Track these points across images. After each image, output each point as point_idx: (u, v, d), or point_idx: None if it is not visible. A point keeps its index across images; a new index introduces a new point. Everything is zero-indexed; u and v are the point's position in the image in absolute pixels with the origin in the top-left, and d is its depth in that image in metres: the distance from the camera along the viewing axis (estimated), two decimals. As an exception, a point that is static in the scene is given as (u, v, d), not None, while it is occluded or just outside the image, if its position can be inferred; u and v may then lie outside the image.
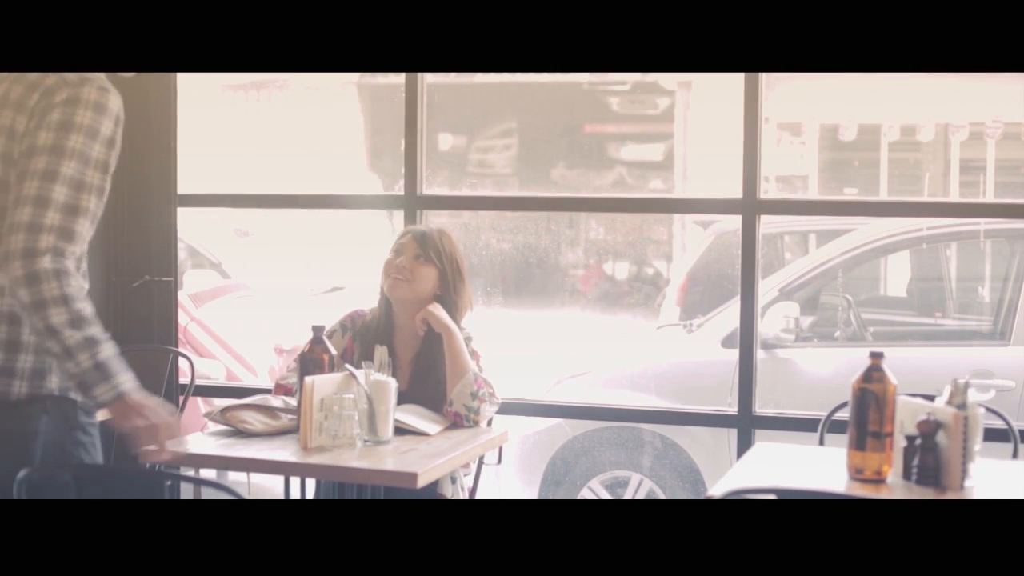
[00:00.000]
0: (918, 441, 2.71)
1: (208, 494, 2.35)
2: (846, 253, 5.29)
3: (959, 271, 5.69)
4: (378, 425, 3.02)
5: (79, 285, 2.26)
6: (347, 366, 3.11)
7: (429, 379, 3.36)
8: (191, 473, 3.25)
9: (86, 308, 2.24)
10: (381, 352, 3.18)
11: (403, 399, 3.30)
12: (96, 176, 2.34)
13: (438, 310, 3.34)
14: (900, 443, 2.75)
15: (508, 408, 4.08)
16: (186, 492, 4.20)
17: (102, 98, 2.39)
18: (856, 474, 2.75)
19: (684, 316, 5.62)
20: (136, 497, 2.34)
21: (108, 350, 2.25)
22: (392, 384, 3.04)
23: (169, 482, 2.38)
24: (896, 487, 2.71)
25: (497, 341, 3.76)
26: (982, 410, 2.76)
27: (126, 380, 2.27)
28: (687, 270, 5.91)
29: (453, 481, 3.35)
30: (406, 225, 4.19)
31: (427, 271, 3.39)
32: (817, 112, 7.02)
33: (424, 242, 3.41)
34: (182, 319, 5.11)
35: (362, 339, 3.43)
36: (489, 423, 3.43)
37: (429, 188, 4.31)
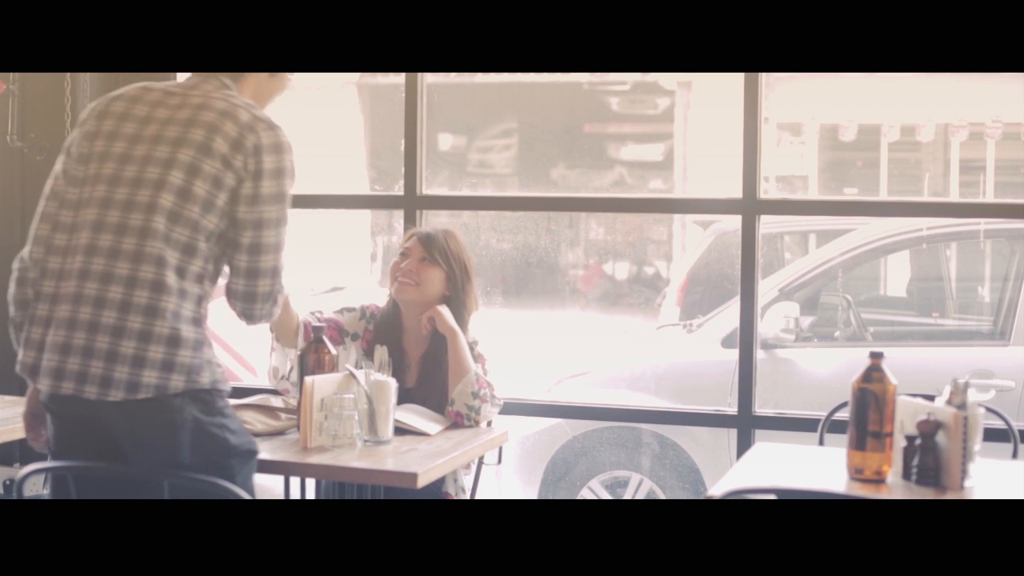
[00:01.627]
0: (918, 441, 2.71)
1: (208, 494, 2.35)
2: (846, 253, 5.29)
3: (959, 271, 5.69)
4: (378, 425, 3.02)
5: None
6: (347, 366, 3.11)
7: (437, 377, 3.37)
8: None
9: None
10: (381, 352, 3.19)
11: (411, 398, 3.30)
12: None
13: (445, 312, 3.35)
14: (900, 443, 2.75)
15: (508, 408, 4.08)
16: (185, 492, 4.20)
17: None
18: (856, 474, 2.75)
19: (684, 316, 5.62)
20: (136, 497, 2.35)
21: None
22: (392, 384, 3.04)
23: (169, 482, 2.37)
24: (896, 487, 2.71)
25: (497, 341, 3.76)
26: (982, 410, 2.76)
27: None
28: (687, 270, 5.91)
29: (455, 481, 3.36)
30: (406, 225, 4.19)
31: (434, 273, 3.39)
32: (817, 112, 7.02)
33: (430, 244, 3.40)
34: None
35: (376, 329, 3.44)
36: (489, 424, 3.43)
37: (429, 188, 4.30)
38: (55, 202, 2.63)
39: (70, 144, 2.67)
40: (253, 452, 2.62)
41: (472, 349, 3.38)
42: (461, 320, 3.40)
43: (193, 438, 2.49)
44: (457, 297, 3.41)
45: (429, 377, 3.39)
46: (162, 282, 2.48)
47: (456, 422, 3.30)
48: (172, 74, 4.38)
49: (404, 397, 3.21)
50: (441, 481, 3.29)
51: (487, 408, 3.31)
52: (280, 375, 3.34)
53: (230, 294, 2.64)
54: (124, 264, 2.48)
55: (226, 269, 2.65)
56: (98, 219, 2.52)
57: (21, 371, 2.57)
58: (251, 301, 2.62)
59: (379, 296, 3.57)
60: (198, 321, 2.54)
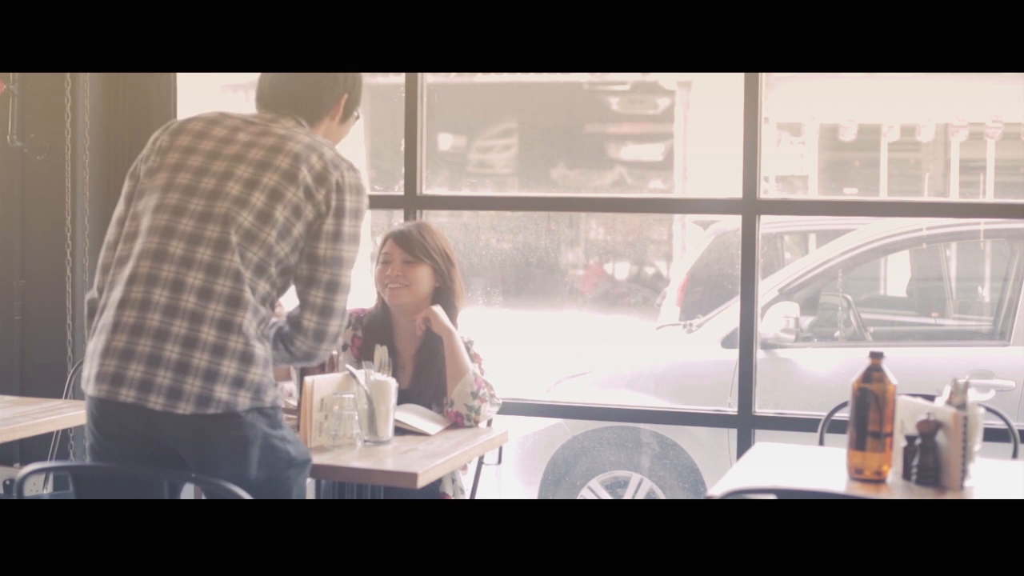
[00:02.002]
0: (918, 441, 2.71)
1: (208, 494, 2.35)
2: (846, 253, 5.28)
3: (959, 271, 5.69)
4: (378, 425, 3.02)
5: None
6: (347, 366, 3.11)
7: (431, 374, 3.37)
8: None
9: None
10: (381, 352, 3.19)
11: (406, 396, 3.31)
12: None
13: (440, 312, 3.35)
14: (900, 443, 2.75)
15: (508, 408, 4.08)
16: (186, 492, 4.20)
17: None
18: (856, 474, 2.75)
19: (684, 316, 5.62)
20: (136, 497, 2.35)
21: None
22: (392, 384, 3.04)
23: (169, 482, 2.37)
24: (896, 487, 2.71)
25: (497, 341, 3.76)
26: (982, 410, 2.76)
27: None
28: (687, 270, 5.90)
29: (452, 481, 3.35)
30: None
31: (421, 271, 3.40)
32: (817, 112, 7.01)
33: (408, 244, 3.41)
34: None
35: (366, 334, 3.44)
36: (489, 423, 3.43)
37: (429, 188, 4.30)
38: (118, 227, 2.60)
39: (137, 164, 2.65)
40: (309, 460, 2.64)
41: (468, 349, 3.38)
42: (453, 307, 3.42)
43: (261, 454, 2.50)
44: (446, 286, 3.43)
45: (423, 376, 3.39)
46: (239, 297, 2.46)
47: (456, 422, 3.30)
48: (172, 74, 4.39)
49: (399, 396, 3.22)
50: (438, 482, 3.29)
51: (487, 408, 3.31)
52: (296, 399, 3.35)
53: (299, 331, 2.60)
54: (198, 274, 2.46)
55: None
56: (169, 225, 2.50)
57: (83, 385, 2.52)
58: (320, 340, 2.61)
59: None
60: (265, 340, 2.53)
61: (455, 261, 3.47)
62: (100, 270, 2.62)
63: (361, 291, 3.58)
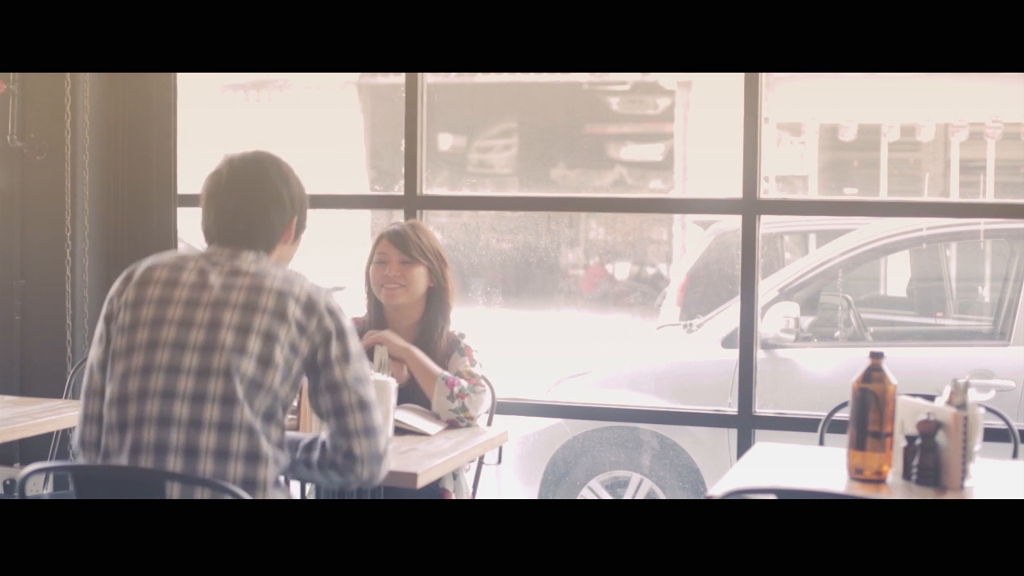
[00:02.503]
0: (918, 441, 2.71)
1: (208, 494, 2.35)
2: (846, 253, 5.28)
3: (959, 271, 5.69)
4: (378, 425, 3.01)
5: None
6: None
7: (432, 359, 3.37)
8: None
9: None
10: (381, 352, 3.19)
11: (403, 395, 3.31)
12: None
13: (392, 337, 3.36)
14: (900, 443, 2.75)
15: (508, 408, 4.09)
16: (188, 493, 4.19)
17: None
18: (856, 474, 2.75)
19: (684, 316, 5.62)
20: (136, 497, 2.34)
21: None
22: (392, 384, 3.04)
23: (169, 482, 2.37)
24: (896, 487, 2.71)
25: (497, 341, 3.76)
26: (982, 410, 2.76)
27: None
28: (687, 270, 5.90)
29: (455, 478, 3.36)
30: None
31: (417, 272, 3.41)
32: (817, 112, 7.02)
33: (405, 244, 3.42)
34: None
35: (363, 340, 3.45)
36: (490, 421, 3.43)
37: (429, 188, 4.31)
38: (100, 372, 2.49)
39: (104, 327, 2.52)
40: None
41: (459, 341, 3.39)
42: (446, 306, 3.44)
43: None
44: (440, 285, 3.44)
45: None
46: (257, 452, 2.39)
47: (455, 426, 3.31)
48: (172, 74, 4.39)
49: (397, 395, 3.22)
50: (438, 480, 3.29)
51: (472, 400, 3.30)
52: None
53: (353, 461, 2.49)
54: (211, 436, 2.37)
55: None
56: (167, 388, 2.38)
57: None
58: (378, 462, 2.51)
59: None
60: (283, 487, 2.50)
61: (448, 261, 3.49)
62: (84, 420, 2.50)
63: (361, 291, 3.58)
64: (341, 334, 2.50)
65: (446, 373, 3.33)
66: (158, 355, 2.41)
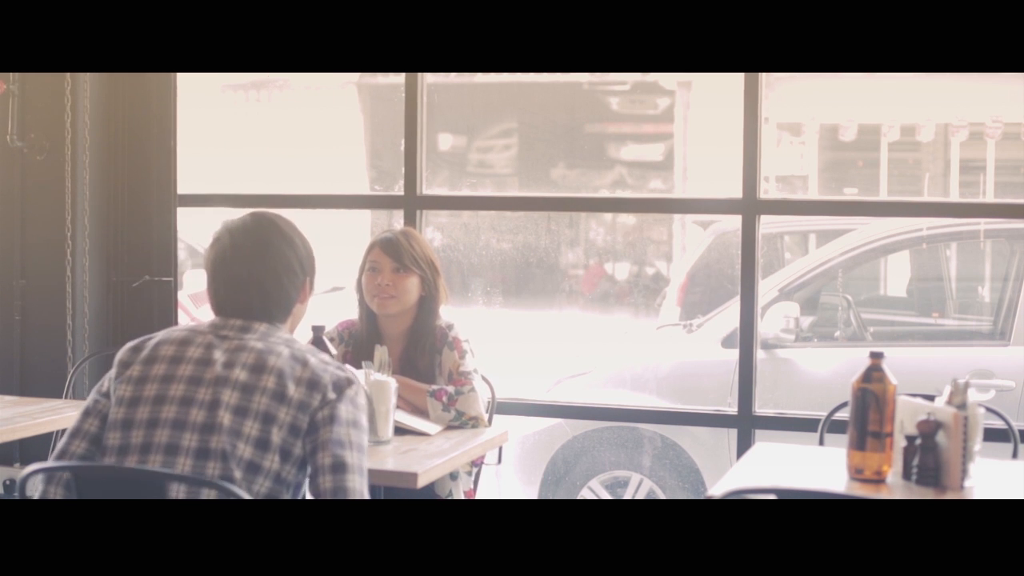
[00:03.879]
0: (918, 441, 2.71)
1: (208, 494, 2.35)
2: (846, 253, 5.28)
3: (959, 271, 5.69)
4: (378, 425, 3.02)
5: None
6: (347, 366, 3.11)
7: (416, 371, 3.38)
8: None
9: None
10: (381, 352, 3.19)
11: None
12: None
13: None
14: (900, 443, 2.75)
15: (508, 408, 4.09)
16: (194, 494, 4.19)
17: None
18: (856, 474, 2.75)
19: (684, 316, 5.62)
20: (136, 497, 2.34)
21: None
22: (392, 384, 3.04)
23: (171, 482, 2.36)
24: (896, 487, 2.71)
25: (497, 341, 3.76)
26: (982, 410, 2.76)
27: None
28: (687, 270, 5.90)
29: (454, 478, 3.36)
30: (405, 225, 4.18)
31: (410, 281, 3.40)
32: (817, 112, 7.02)
33: (398, 252, 3.41)
34: (182, 319, 5.12)
35: (355, 351, 3.46)
36: (489, 421, 3.43)
37: (429, 188, 4.31)
38: (88, 443, 2.44)
39: (107, 385, 2.49)
40: None
41: (447, 334, 3.39)
42: (434, 313, 3.43)
43: None
44: (431, 295, 3.43)
45: (409, 373, 3.40)
46: None
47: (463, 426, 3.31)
48: (172, 74, 4.39)
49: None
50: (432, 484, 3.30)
51: (464, 402, 3.30)
52: None
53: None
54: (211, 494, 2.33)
55: None
56: (166, 463, 2.36)
57: None
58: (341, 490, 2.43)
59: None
60: None
61: (440, 269, 3.48)
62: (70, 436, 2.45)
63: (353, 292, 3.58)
64: (354, 400, 2.42)
65: (432, 387, 3.32)
66: (158, 434, 2.38)
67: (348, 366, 2.66)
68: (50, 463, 2.47)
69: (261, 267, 2.49)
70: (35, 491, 2.47)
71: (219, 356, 2.42)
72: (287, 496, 2.41)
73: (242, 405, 2.37)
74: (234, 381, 2.38)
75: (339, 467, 2.36)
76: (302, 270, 2.54)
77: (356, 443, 2.40)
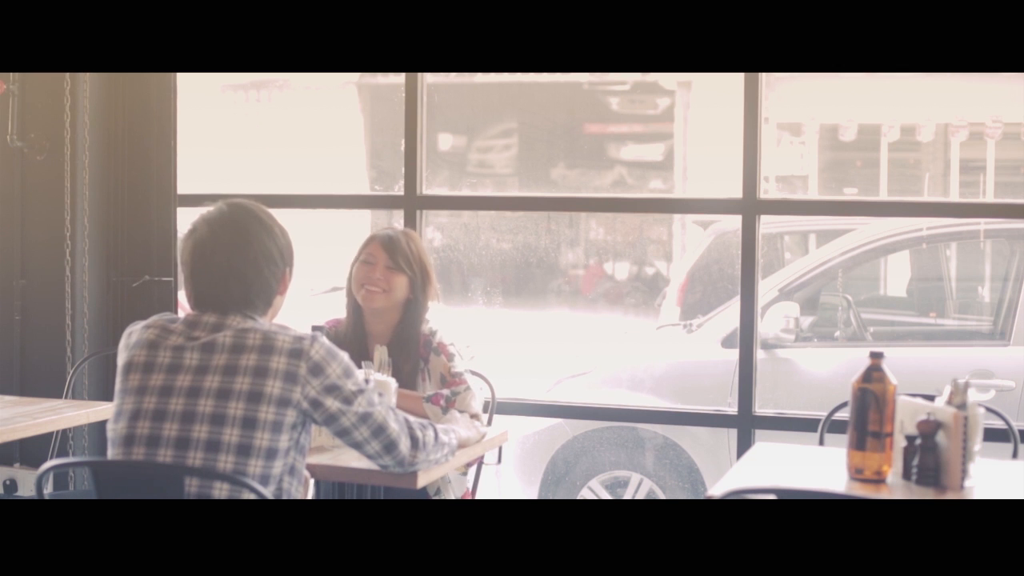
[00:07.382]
0: (918, 441, 2.71)
1: (227, 489, 2.34)
2: (846, 253, 5.28)
3: (959, 271, 5.69)
4: (378, 425, 3.01)
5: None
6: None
7: (405, 367, 3.37)
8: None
9: None
10: (381, 352, 3.19)
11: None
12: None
13: None
14: (900, 443, 2.75)
15: (508, 408, 4.09)
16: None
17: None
18: (856, 474, 2.75)
19: (684, 316, 5.62)
20: (154, 496, 2.34)
21: None
22: (392, 384, 3.04)
23: (189, 478, 2.35)
24: (896, 487, 2.71)
25: (497, 341, 3.76)
26: (982, 410, 2.76)
27: None
28: (687, 270, 5.90)
29: (447, 482, 3.36)
30: (405, 225, 4.18)
31: (399, 280, 3.39)
32: (817, 112, 7.01)
33: (394, 250, 3.40)
34: (182, 319, 5.11)
35: (346, 345, 3.45)
36: (489, 421, 3.42)
37: (429, 188, 4.31)
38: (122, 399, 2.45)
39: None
40: None
41: (431, 341, 3.38)
42: (419, 318, 3.42)
43: None
44: (417, 299, 3.41)
45: (397, 373, 3.40)
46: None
47: None
48: (172, 74, 4.39)
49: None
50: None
51: (463, 399, 3.30)
52: None
53: (389, 468, 2.60)
54: (223, 487, 2.34)
55: None
56: (181, 437, 2.36)
57: None
58: (409, 465, 2.59)
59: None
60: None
61: (432, 278, 3.46)
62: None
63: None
64: (348, 372, 2.43)
65: (427, 394, 3.31)
66: (140, 426, 2.38)
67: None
68: (67, 459, 2.47)
69: (240, 257, 2.44)
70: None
71: (192, 355, 2.40)
72: (278, 469, 2.38)
73: (224, 388, 2.35)
74: (214, 367, 2.37)
75: (377, 430, 2.48)
76: (282, 259, 2.51)
77: (365, 397, 2.45)
